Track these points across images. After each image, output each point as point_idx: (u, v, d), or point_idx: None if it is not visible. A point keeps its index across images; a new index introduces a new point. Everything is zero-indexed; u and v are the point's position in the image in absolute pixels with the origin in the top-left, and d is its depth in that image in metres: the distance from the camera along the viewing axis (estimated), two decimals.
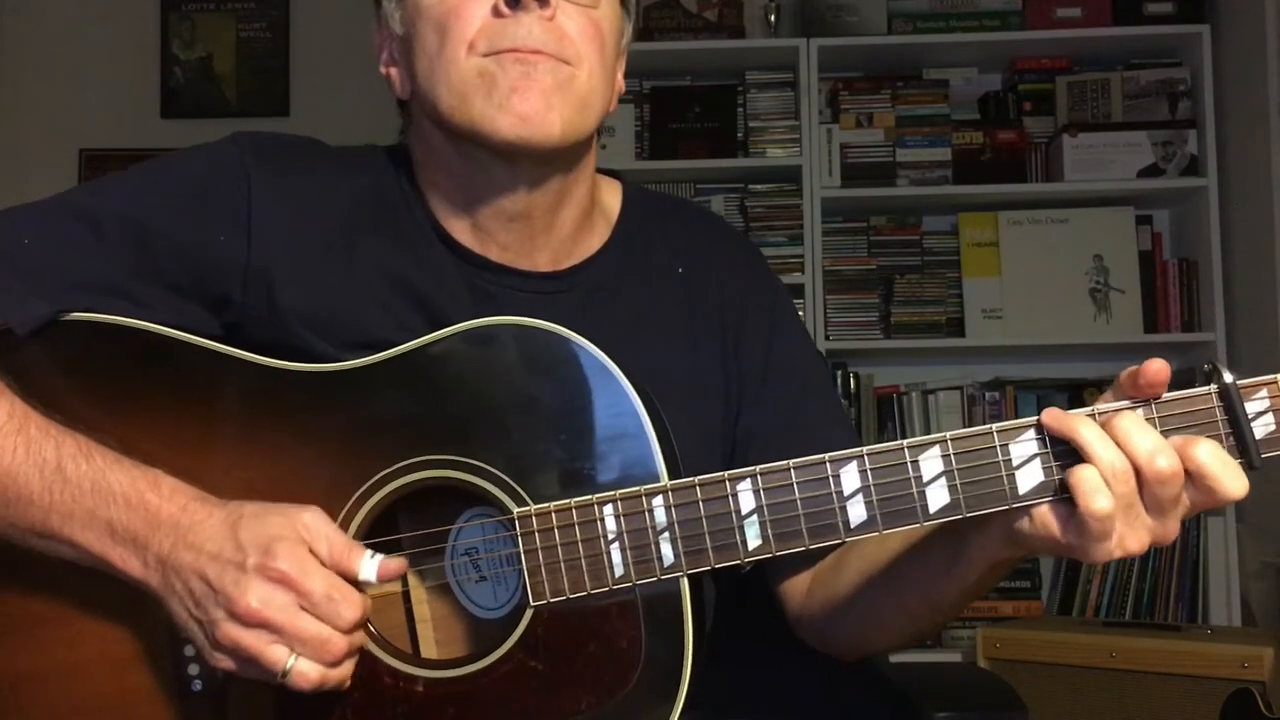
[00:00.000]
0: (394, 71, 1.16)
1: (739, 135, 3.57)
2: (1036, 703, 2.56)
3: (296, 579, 0.93)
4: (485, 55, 1.06)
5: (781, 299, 1.26)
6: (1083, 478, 0.85)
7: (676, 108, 3.57)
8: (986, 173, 3.46)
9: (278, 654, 0.93)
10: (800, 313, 3.38)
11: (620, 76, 1.19)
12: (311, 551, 0.95)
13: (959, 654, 3.28)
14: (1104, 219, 3.47)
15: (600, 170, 1.24)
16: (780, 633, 1.20)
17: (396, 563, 0.98)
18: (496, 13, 1.06)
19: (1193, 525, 3.30)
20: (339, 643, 0.94)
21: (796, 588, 1.16)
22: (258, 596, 0.93)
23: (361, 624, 0.96)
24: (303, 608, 0.93)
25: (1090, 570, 3.37)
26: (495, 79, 1.05)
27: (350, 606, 0.94)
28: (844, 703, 1.27)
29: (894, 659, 1.50)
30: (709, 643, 1.06)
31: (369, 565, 0.96)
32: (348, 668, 0.96)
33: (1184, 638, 2.62)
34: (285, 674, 0.93)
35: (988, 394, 3.47)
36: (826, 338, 3.40)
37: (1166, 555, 3.31)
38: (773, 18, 3.60)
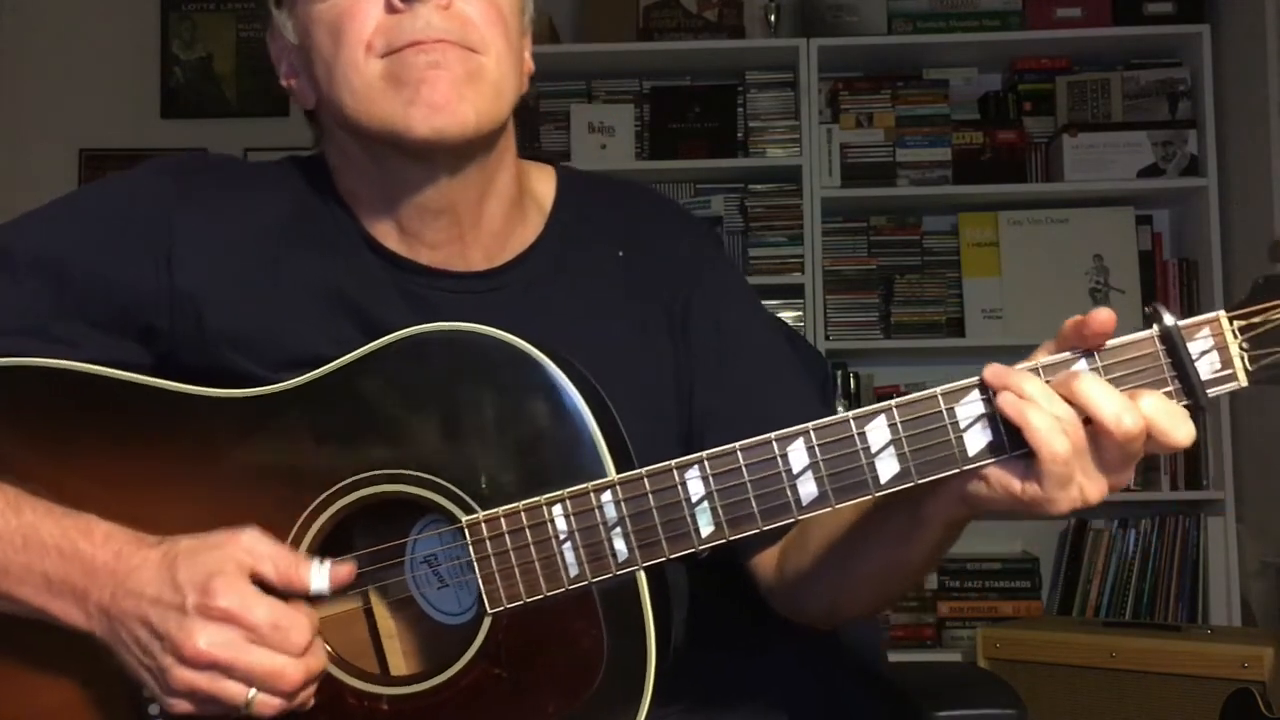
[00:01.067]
0: (295, 83, 1.14)
1: (739, 135, 3.56)
2: (1036, 703, 2.56)
3: (239, 614, 0.91)
4: (385, 55, 1.03)
5: (729, 273, 1.24)
6: (1037, 425, 0.84)
7: (676, 108, 3.57)
8: (986, 173, 3.46)
9: (235, 690, 0.91)
10: (800, 313, 3.39)
11: (528, 55, 1.16)
12: (257, 574, 0.94)
13: (959, 654, 3.28)
14: (1104, 219, 3.46)
15: (531, 157, 1.22)
16: (779, 630, 1.20)
17: (346, 568, 0.97)
18: (390, 8, 1.03)
19: (1193, 525, 3.30)
20: (294, 670, 0.92)
21: (766, 563, 1.15)
22: (203, 638, 0.91)
23: (314, 644, 0.94)
24: (251, 641, 0.91)
25: (1090, 570, 3.37)
26: (400, 76, 1.02)
27: (299, 631, 0.93)
28: (844, 702, 1.27)
29: (894, 659, 1.51)
30: (691, 634, 1.06)
31: (319, 575, 0.95)
32: (311, 689, 0.95)
33: (1184, 638, 2.62)
34: (248, 705, 0.92)
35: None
36: (826, 338, 3.40)
37: (1166, 555, 3.32)
38: (773, 18, 3.59)
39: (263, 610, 0.92)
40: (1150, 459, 3.31)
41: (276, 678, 0.92)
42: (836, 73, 3.59)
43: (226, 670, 0.91)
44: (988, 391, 0.89)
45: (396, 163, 1.07)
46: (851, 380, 3.44)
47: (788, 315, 3.39)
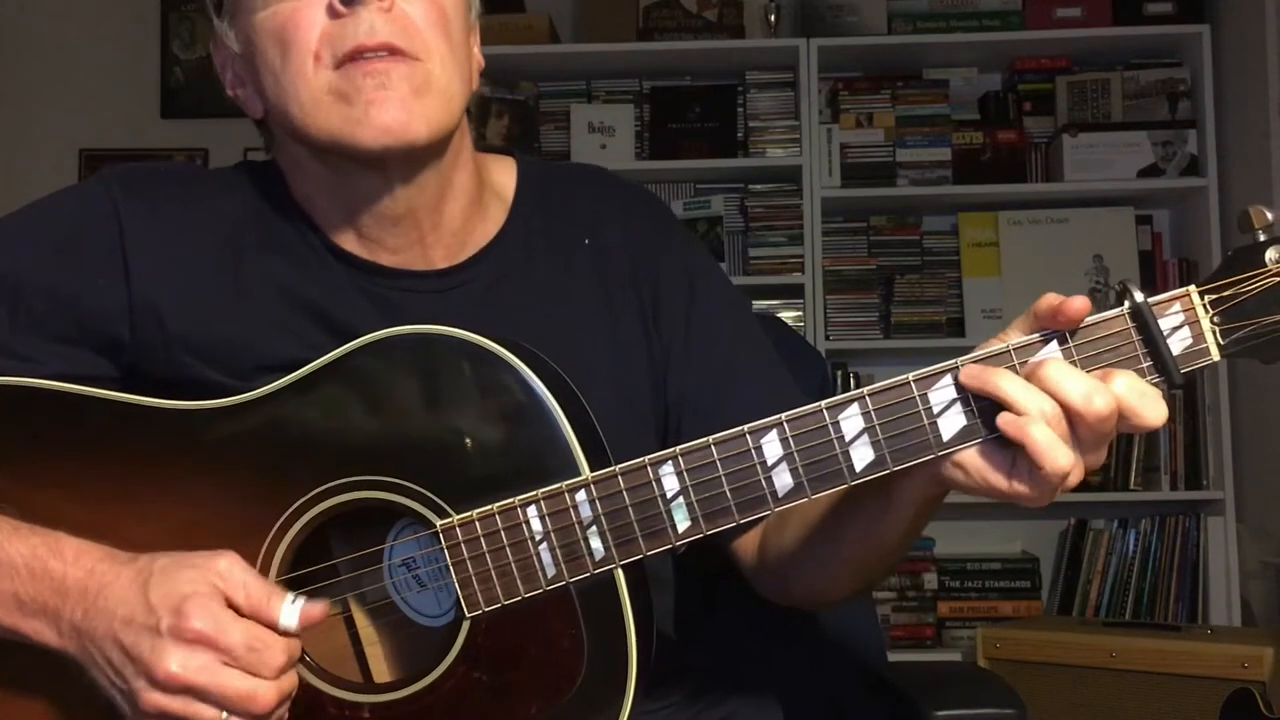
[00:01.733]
0: (242, 92, 1.12)
1: (739, 135, 3.56)
2: (1036, 703, 2.56)
3: (213, 636, 0.89)
4: (334, 68, 1.01)
5: (698, 257, 1.22)
6: (1038, 439, 0.84)
7: (676, 108, 3.57)
8: (986, 173, 3.46)
9: (208, 715, 0.90)
10: (800, 313, 3.39)
11: (477, 50, 1.14)
12: (229, 601, 0.91)
13: (959, 654, 3.28)
14: (1104, 219, 3.46)
15: (492, 150, 1.21)
16: (774, 627, 1.20)
17: (319, 608, 0.94)
18: (333, 13, 1.01)
19: (1193, 525, 3.30)
20: (267, 693, 0.90)
21: (748, 547, 1.15)
22: (176, 661, 0.89)
23: (290, 666, 0.93)
24: (225, 664, 0.90)
25: (1090, 570, 3.37)
26: (348, 95, 1.01)
27: (274, 653, 0.91)
28: (844, 701, 1.27)
29: (894, 659, 1.51)
30: (687, 629, 1.06)
31: (290, 612, 0.92)
32: (284, 710, 0.93)
33: (1184, 638, 2.62)
34: None
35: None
36: (826, 338, 3.40)
37: (1166, 555, 3.32)
38: (773, 18, 3.59)
39: (237, 633, 0.90)
40: (1150, 458, 3.32)
41: (249, 701, 0.90)
42: (836, 73, 3.59)
43: (200, 694, 0.89)
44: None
45: (351, 172, 1.06)
46: (851, 380, 3.44)
47: (788, 315, 3.39)
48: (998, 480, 0.87)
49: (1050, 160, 3.49)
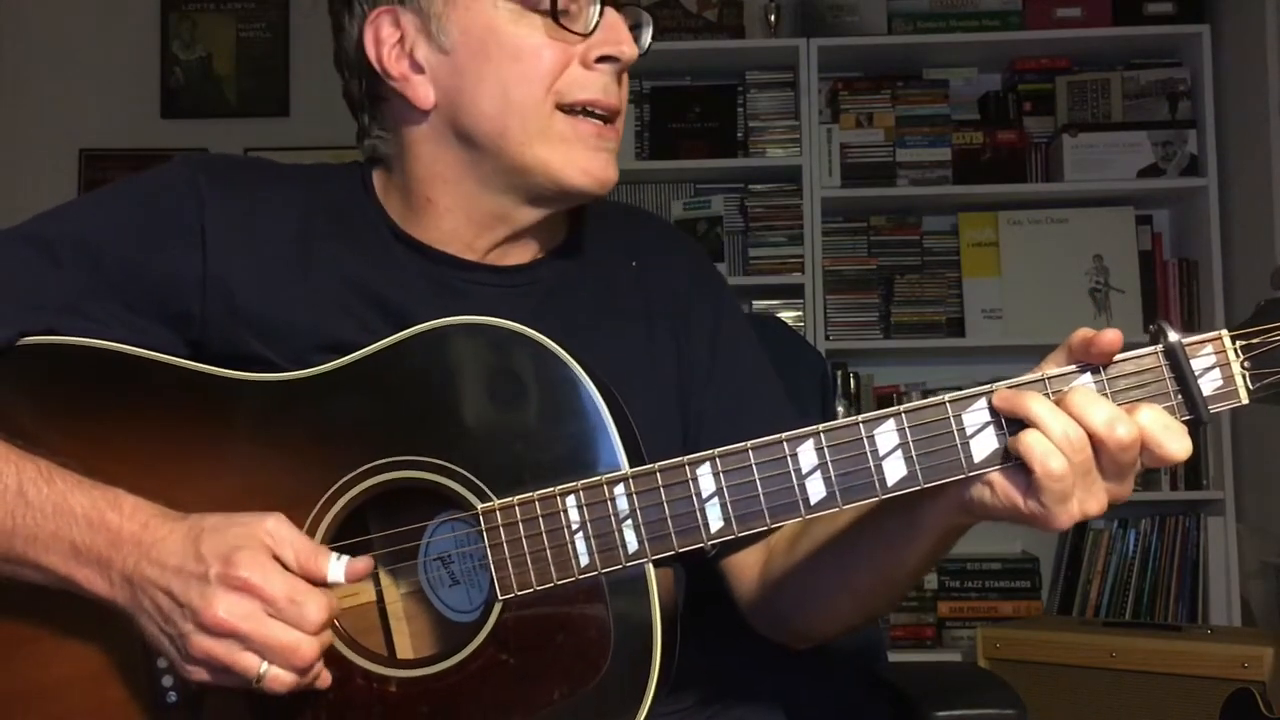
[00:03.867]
0: (411, 75, 1.12)
1: (739, 135, 3.57)
2: (1036, 703, 2.56)
3: (259, 585, 0.93)
4: (565, 106, 1.09)
5: (724, 292, 1.29)
6: (1031, 444, 0.86)
7: (676, 108, 3.57)
8: (986, 173, 3.46)
9: (250, 661, 0.93)
10: (800, 313, 3.39)
11: None
12: (277, 558, 0.96)
13: (959, 654, 3.28)
14: (1104, 219, 3.47)
15: None
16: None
17: (364, 562, 0.99)
18: (585, 64, 1.09)
19: (1193, 525, 3.30)
20: (308, 646, 0.94)
21: (747, 570, 1.17)
22: (223, 606, 0.93)
23: (328, 624, 0.96)
24: (269, 614, 0.94)
25: (1090, 570, 3.37)
26: (571, 141, 1.10)
27: (316, 609, 0.94)
28: (844, 702, 1.27)
29: (894, 659, 1.51)
30: (698, 634, 1.06)
31: (336, 567, 0.97)
32: (321, 667, 0.97)
33: (1184, 638, 2.62)
34: (260, 679, 0.94)
35: None
36: (826, 338, 3.40)
37: (1166, 555, 3.32)
38: (773, 18, 3.60)
39: (281, 584, 0.94)
40: None
41: (290, 652, 0.93)
42: (836, 73, 3.59)
43: (244, 640, 0.93)
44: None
45: (508, 193, 1.12)
46: (851, 380, 3.44)
47: (788, 315, 3.39)
48: (1016, 497, 0.89)
49: (1050, 160, 3.49)
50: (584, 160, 1.10)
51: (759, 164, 3.51)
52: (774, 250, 3.46)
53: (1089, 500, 0.88)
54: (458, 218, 1.14)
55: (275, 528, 0.97)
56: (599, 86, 1.10)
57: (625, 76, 1.13)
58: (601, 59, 1.09)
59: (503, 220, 1.14)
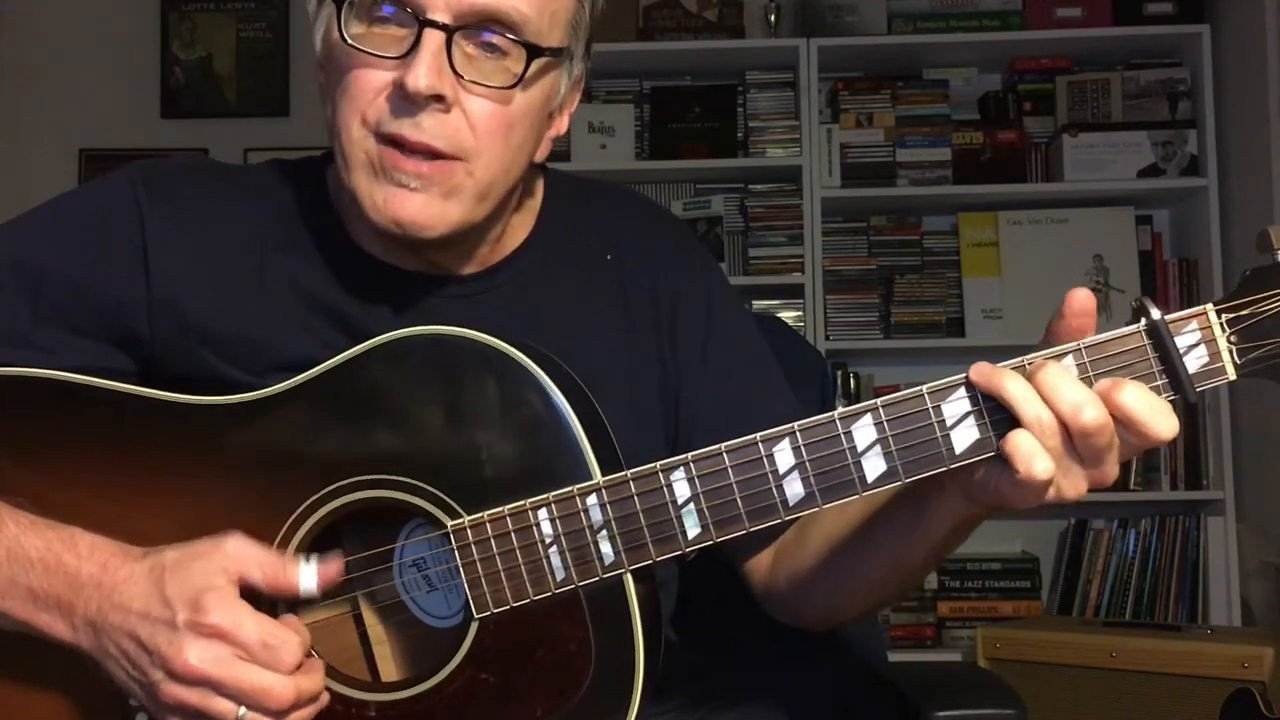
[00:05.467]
0: (322, 78, 1.09)
1: (739, 135, 3.56)
2: (1036, 703, 2.56)
3: (230, 630, 0.91)
4: (375, 134, 1.00)
5: (715, 278, 1.22)
6: (1018, 444, 0.84)
7: (676, 108, 3.57)
8: (986, 173, 3.46)
9: (225, 707, 0.91)
10: (800, 313, 3.39)
11: (563, 121, 1.13)
12: (245, 580, 0.93)
13: (959, 654, 3.28)
14: (1104, 219, 3.46)
15: None
16: (770, 625, 1.20)
17: (335, 565, 0.96)
18: (398, 89, 0.99)
19: (1193, 525, 3.30)
20: (282, 688, 0.91)
21: (760, 565, 1.15)
22: (194, 653, 0.90)
23: (305, 664, 0.93)
24: (240, 658, 0.91)
25: (1090, 570, 3.37)
26: (374, 174, 1.01)
27: (289, 650, 0.92)
28: (845, 702, 1.27)
29: (894, 659, 1.50)
30: (690, 632, 1.06)
31: (308, 574, 0.95)
32: (307, 709, 0.94)
33: (1184, 638, 2.62)
34: None
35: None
36: (826, 338, 3.40)
37: (1166, 555, 3.32)
38: (773, 18, 3.59)
39: (252, 628, 0.91)
40: (1150, 457, 3.32)
41: (265, 695, 0.91)
42: (836, 73, 3.59)
43: (216, 686, 0.90)
44: (974, 389, 0.88)
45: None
46: (851, 380, 3.44)
47: (788, 315, 3.39)
48: (999, 485, 0.87)
49: (1050, 160, 3.49)
50: (378, 193, 1.01)
51: (759, 164, 3.51)
52: (774, 250, 3.46)
53: (1065, 485, 0.86)
54: (367, 224, 1.06)
55: (236, 549, 0.94)
56: (403, 120, 0.99)
57: (460, 101, 1.00)
58: (400, 88, 0.99)
59: (401, 245, 1.07)
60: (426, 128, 0.99)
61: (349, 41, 1.00)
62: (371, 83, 1.00)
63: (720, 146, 3.54)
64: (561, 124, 1.13)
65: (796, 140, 3.47)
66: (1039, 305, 3.40)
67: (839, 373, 3.40)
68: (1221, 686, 2.43)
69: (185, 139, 3.72)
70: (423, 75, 0.97)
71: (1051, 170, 3.48)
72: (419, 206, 1.01)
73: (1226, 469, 3.24)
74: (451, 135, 1.00)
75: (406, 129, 0.99)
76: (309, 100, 3.75)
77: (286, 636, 0.92)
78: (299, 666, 0.93)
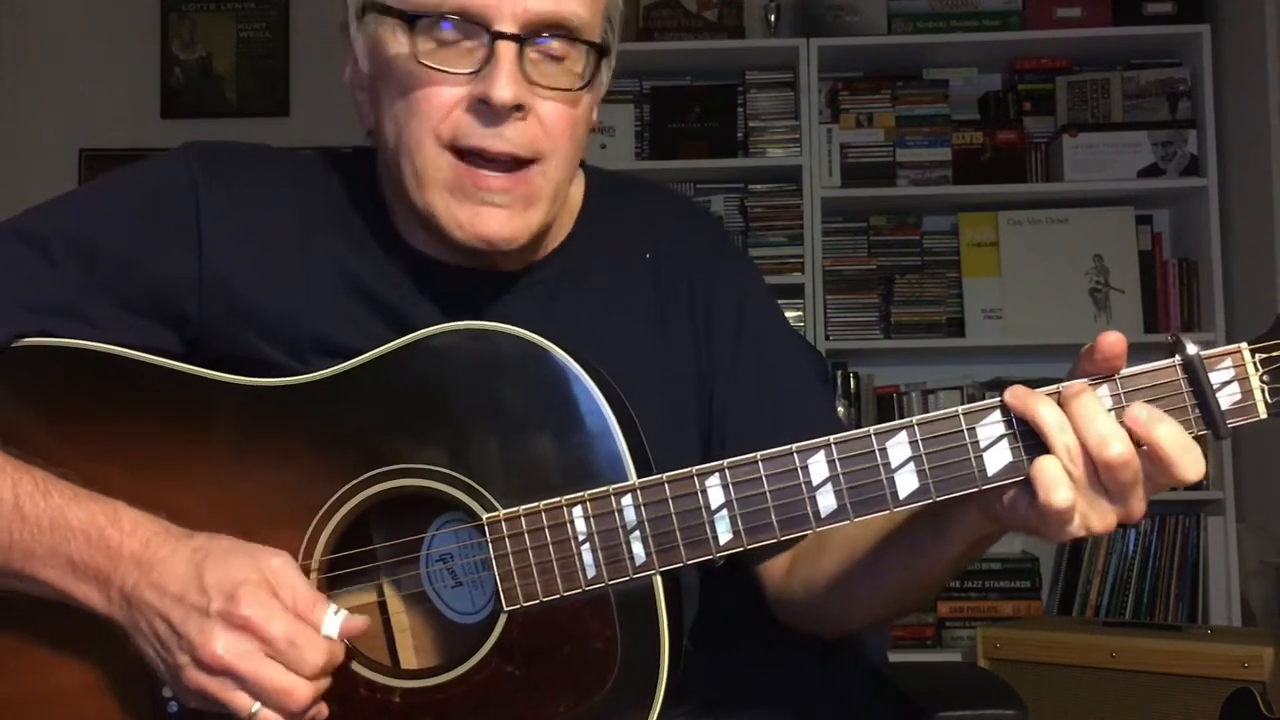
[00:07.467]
0: (360, 96, 1.11)
1: (739, 135, 3.56)
2: (1036, 703, 2.56)
3: (260, 625, 0.92)
4: (453, 150, 1.02)
5: (751, 278, 1.24)
6: (1043, 470, 0.85)
7: (676, 108, 3.57)
8: (986, 173, 3.46)
9: (242, 700, 0.92)
10: (800, 313, 3.39)
11: (594, 114, 1.16)
12: (276, 597, 0.94)
13: (959, 654, 3.28)
14: (1104, 219, 3.46)
15: None
16: (779, 629, 1.20)
17: (359, 622, 0.97)
18: (473, 107, 1.02)
19: (1193, 525, 3.30)
20: (302, 691, 0.92)
21: (776, 568, 1.16)
22: (221, 644, 0.92)
23: (328, 669, 0.95)
24: (266, 654, 0.92)
25: (1090, 570, 3.37)
26: (455, 193, 1.03)
27: (314, 652, 0.93)
28: (845, 702, 1.27)
29: (894, 659, 1.50)
30: (700, 636, 1.06)
31: (332, 621, 0.95)
32: (319, 710, 0.96)
33: (1184, 638, 2.62)
34: (252, 718, 0.93)
35: (988, 394, 3.42)
36: (826, 338, 3.40)
37: (1167, 555, 3.32)
38: (773, 18, 3.59)
39: (282, 625, 0.93)
40: None
41: (284, 695, 0.92)
42: (836, 73, 3.59)
43: (239, 679, 0.92)
44: (1009, 413, 0.89)
45: (435, 236, 1.07)
46: (851, 380, 3.44)
47: (788, 315, 3.38)
48: (1021, 511, 0.89)
49: (1050, 160, 3.49)
50: (463, 212, 1.03)
51: (759, 164, 3.51)
52: (774, 250, 3.46)
53: (1092, 517, 0.87)
54: (420, 223, 1.09)
55: (280, 568, 0.95)
56: (483, 131, 1.01)
57: (535, 105, 1.03)
58: (481, 101, 1.01)
59: (454, 252, 1.09)
60: (510, 137, 1.02)
61: (423, 61, 1.01)
62: (444, 99, 1.02)
63: (720, 146, 3.54)
64: (595, 118, 1.16)
65: (796, 140, 3.48)
66: (1039, 305, 3.40)
67: (839, 373, 3.40)
68: (1221, 686, 2.43)
69: (185, 139, 3.69)
70: (506, 87, 1.00)
71: (1051, 170, 3.48)
72: (504, 220, 1.04)
73: (1226, 469, 3.24)
74: (530, 142, 1.03)
75: (489, 140, 1.02)
76: (309, 100, 3.76)
77: (314, 640, 0.93)
78: (322, 673, 0.94)
